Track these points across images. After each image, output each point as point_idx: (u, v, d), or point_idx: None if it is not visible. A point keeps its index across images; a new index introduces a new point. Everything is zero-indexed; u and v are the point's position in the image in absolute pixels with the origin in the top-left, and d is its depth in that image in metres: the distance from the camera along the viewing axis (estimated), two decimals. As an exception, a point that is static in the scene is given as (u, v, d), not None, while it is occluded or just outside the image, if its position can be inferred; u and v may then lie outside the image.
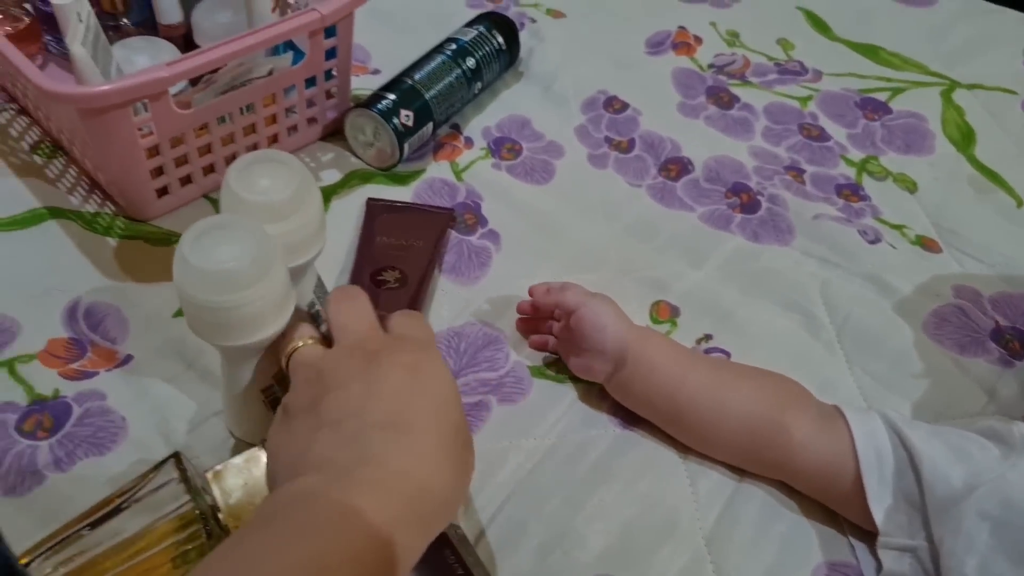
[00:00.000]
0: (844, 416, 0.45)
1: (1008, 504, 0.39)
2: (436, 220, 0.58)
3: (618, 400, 0.49)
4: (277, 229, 0.43)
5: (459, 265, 0.58)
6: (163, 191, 0.59)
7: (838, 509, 0.45)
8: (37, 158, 0.64)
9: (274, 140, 0.64)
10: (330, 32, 0.61)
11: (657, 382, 0.47)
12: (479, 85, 0.69)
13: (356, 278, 0.55)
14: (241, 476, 0.43)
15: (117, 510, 0.42)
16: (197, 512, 0.41)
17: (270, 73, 0.59)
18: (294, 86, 0.62)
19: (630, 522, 0.45)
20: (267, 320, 0.41)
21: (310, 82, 0.63)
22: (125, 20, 0.69)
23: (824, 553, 0.44)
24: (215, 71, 0.57)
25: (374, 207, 0.59)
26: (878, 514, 0.42)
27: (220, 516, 0.42)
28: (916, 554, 0.41)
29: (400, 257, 0.56)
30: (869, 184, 0.66)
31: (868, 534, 0.43)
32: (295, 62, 0.61)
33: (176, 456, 0.43)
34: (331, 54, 0.62)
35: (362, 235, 0.54)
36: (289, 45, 0.61)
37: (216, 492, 0.43)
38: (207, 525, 0.41)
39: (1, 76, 0.68)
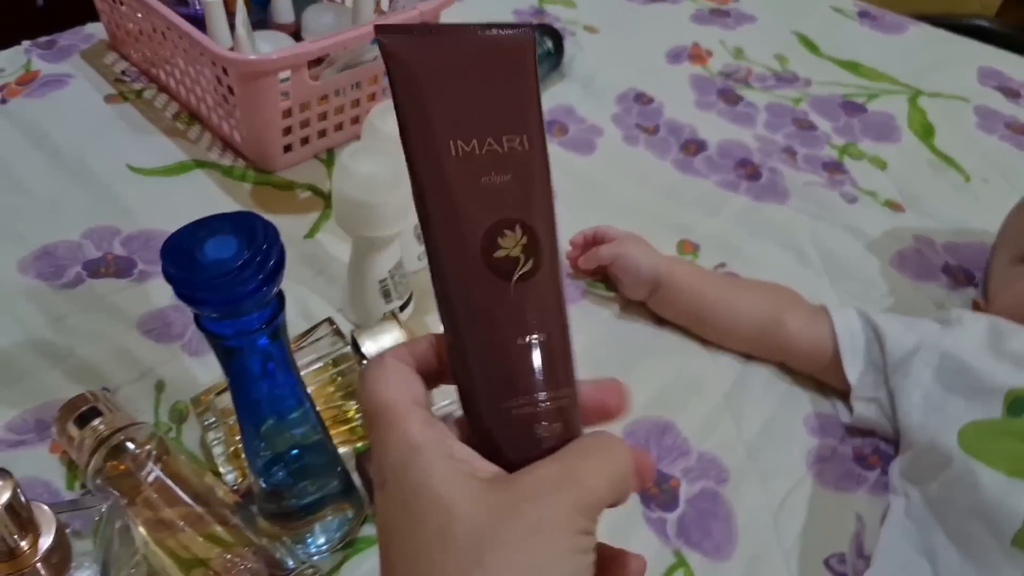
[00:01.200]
0: (827, 311, 0.60)
1: (944, 354, 0.53)
2: (515, 56, 0.30)
3: (656, 312, 0.64)
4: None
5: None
6: (287, 148, 0.74)
7: (823, 378, 0.59)
8: (179, 125, 0.79)
9: (372, 114, 0.79)
10: (422, 29, 0.77)
11: (684, 299, 0.62)
12: (533, 79, 0.85)
13: (458, 261, 0.29)
14: (379, 336, 0.57)
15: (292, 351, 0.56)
16: (350, 354, 0.55)
17: (375, 58, 0.75)
18: (391, 71, 0.77)
19: (666, 383, 0.59)
20: (395, 219, 0.56)
21: (403, 69, 0.78)
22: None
23: (812, 406, 0.58)
24: (326, 56, 0.72)
25: (400, 59, 0.29)
26: (852, 375, 0.57)
27: (369, 357, 0.56)
28: (879, 402, 0.56)
29: (509, 190, 0.29)
30: (849, 163, 0.82)
31: (845, 394, 0.58)
32: (395, 51, 0.76)
33: (328, 319, 0.58)
34: (420, 47, 0.78)
35: (408, 145, 0.29)
36: (390, 38, 0.77)
37: (363, 342, 0.57)
38: (360, 357, 0.55)
39: (143, 63, 0.83)
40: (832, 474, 0.54)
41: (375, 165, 0.55)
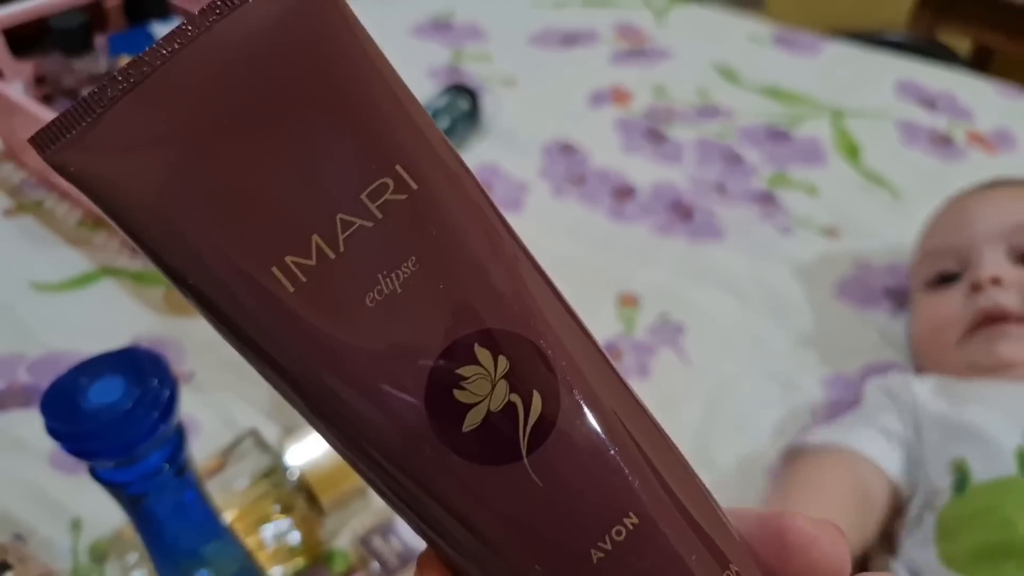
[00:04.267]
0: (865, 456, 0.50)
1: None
2: (306, 32, 0.15)
3: None
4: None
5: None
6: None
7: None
8: (84, 231, 0.75)
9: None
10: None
11: None
12: (453, 142, 0.83)
13: (405, 464, 0.16)
14: (308, 443, 0.54)
15: (216, 470, 0.52)
16: (278, 469, 0.52)
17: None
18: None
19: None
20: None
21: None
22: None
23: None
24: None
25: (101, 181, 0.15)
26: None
27: (298, 472, 0.52)
28: None
29: (422, 290, 0.16)
30: (779, 192, 0.81)
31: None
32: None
33: (252, 430, 0.54)
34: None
35: (207, 313, 0.17)
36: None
37: (291, 455, 0.53)
38: (289, 478, 0.51)
39: (42, 171, 0.79)
40: None
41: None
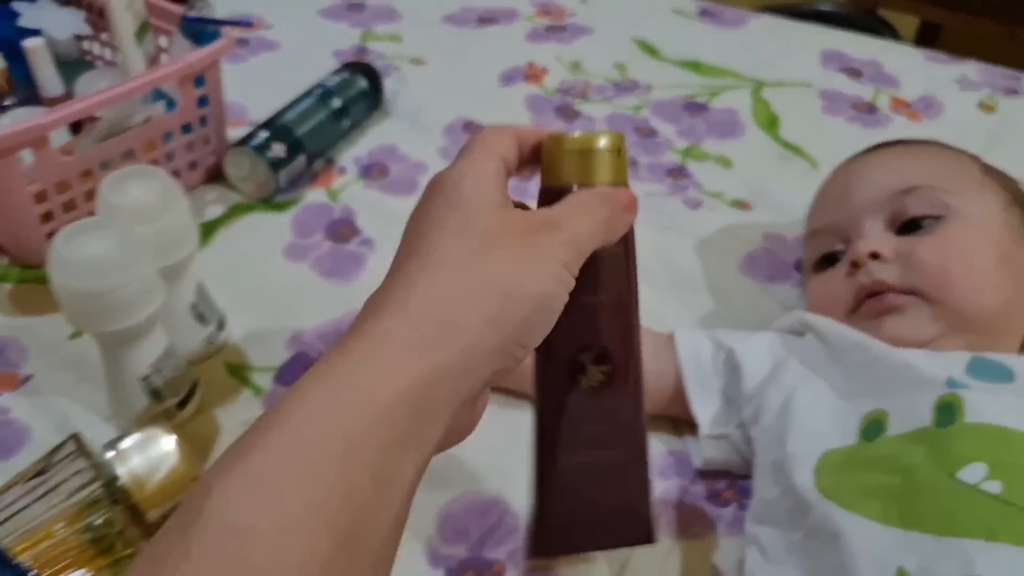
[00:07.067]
0: (674, 339, 0.53)
1: (802, 376, 0.46)
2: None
3: None
4: (148, 230, 0.49)
5: (336, 268, 0.65)
6: (52, 237, 0.65)
7: (676, 413, 0.52)
8: (-69, 226, 0.68)
9: (158, 183, 0.70)
10: (200, 83, 0.68)
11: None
12: (347, 123, 0.77)
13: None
14: (139, 450, 0.48)
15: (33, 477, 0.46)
16: (98, 478, 0.45)
17: (147, 120, 0.66)
18: (171, 133, 0.69)
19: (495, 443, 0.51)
20: (135, 306, 0.47)
21: (187, 129, 0.70)
22: (11, 99, 0.75)
23: (664, 445, 0.51)
24: (94, 120, 0.63)
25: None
26: (699, 412, 0.50)
27: (121, 482, 0.46)
28: (729, 439, 0.49)
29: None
30: (692, 166, 0.76)
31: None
32: (169, 111, 0.68)
33: (74, 435, 0.48)
34: (203, 103, 0.70)
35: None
36: (161, 95, 0.68)
37: (116, 463, 0.47)
38: (110, 489, 0.45)
39: None
40: (682, 520, 0.47)
41: (99, 244, 0.46)
